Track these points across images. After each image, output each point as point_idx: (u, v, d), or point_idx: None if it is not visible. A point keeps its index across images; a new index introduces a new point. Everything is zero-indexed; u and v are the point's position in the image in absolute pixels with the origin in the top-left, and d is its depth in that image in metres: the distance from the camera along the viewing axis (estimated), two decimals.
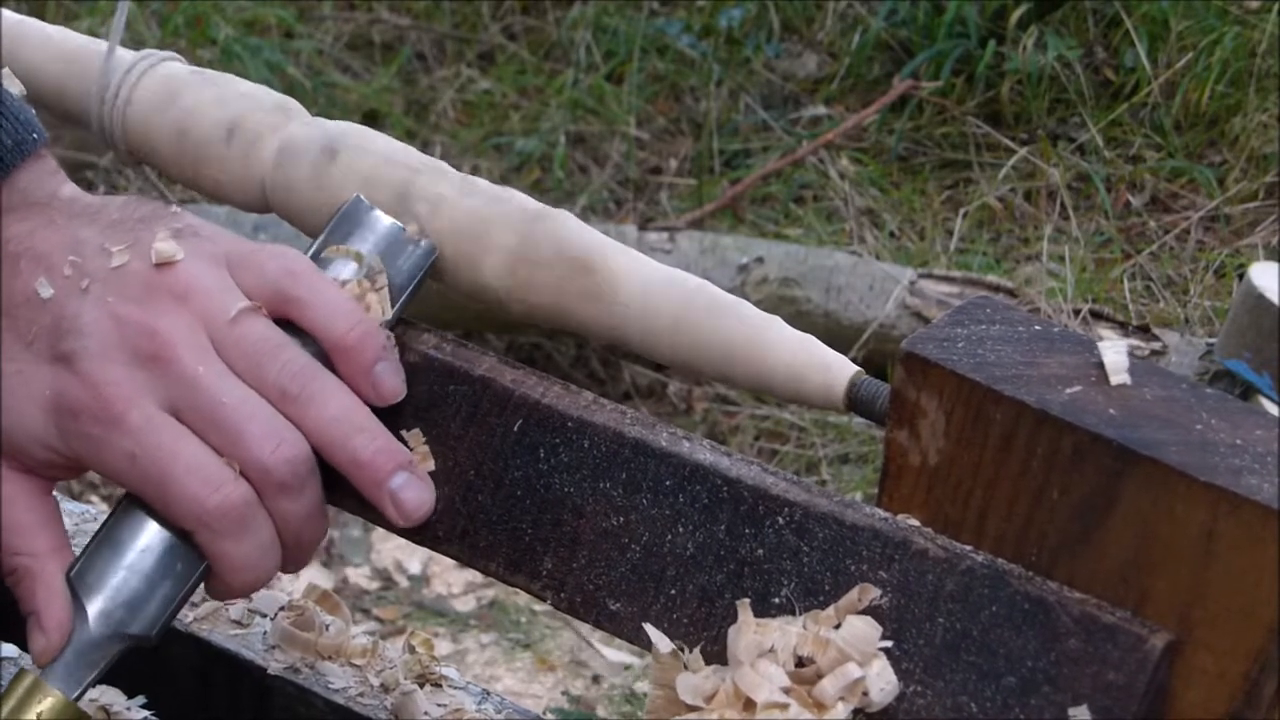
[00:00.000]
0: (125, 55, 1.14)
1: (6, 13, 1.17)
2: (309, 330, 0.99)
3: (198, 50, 4.59)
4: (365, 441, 0.99)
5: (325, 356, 0.99)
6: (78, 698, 0.98)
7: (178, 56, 1.15)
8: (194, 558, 0.98)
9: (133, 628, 0.98)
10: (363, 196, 1.05)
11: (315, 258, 1.03)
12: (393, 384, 1.01)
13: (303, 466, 0.97)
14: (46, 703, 0.97)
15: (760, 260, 3.89)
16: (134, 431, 0.95)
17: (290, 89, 4.36)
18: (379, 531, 3.45)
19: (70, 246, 0.98)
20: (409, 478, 1.00)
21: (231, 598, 1.01)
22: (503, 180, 4.40)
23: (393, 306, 1.03)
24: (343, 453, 0.98)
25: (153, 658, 1.01)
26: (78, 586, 0.98)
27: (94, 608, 0.98)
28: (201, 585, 1.00)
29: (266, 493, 0.97)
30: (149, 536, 0.98)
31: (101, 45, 1.16)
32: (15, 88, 1.02)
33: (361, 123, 1.12)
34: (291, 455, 0.96)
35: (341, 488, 1.00)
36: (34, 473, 0.99)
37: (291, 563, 1.01)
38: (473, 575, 3.42)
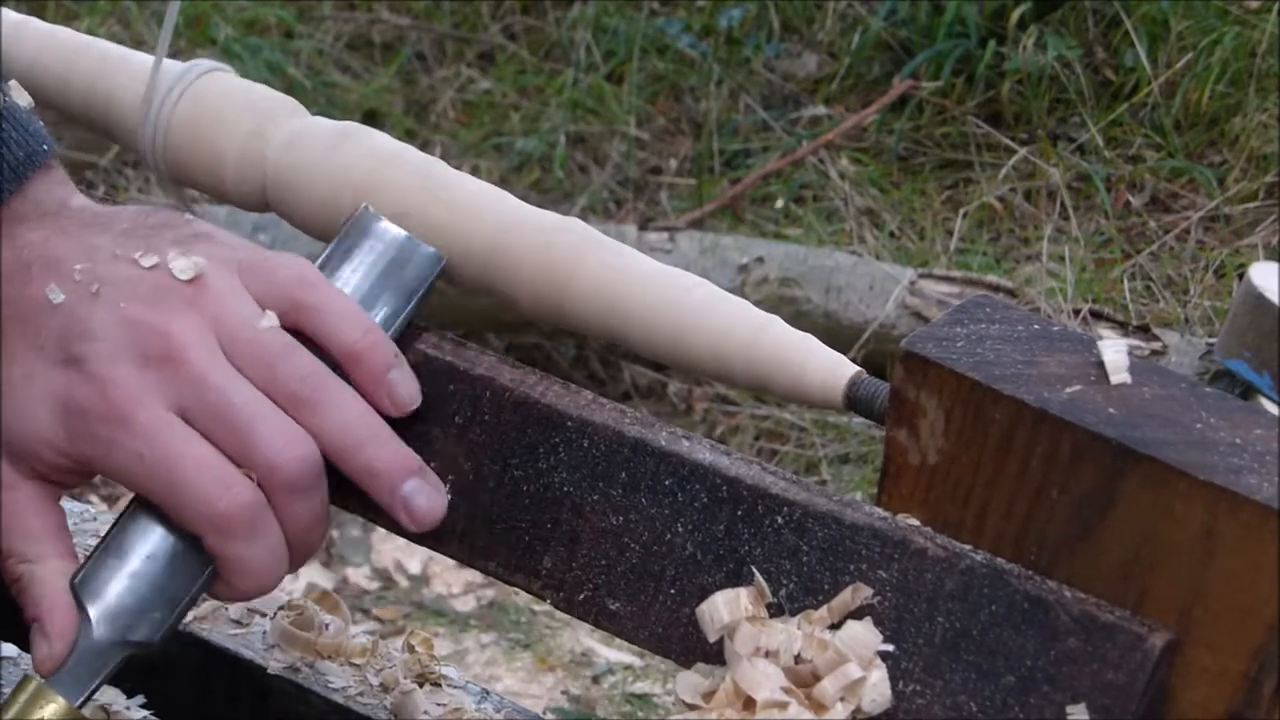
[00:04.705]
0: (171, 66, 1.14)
1: (24, 17, 1.17)
2: (320, 337, 0.99)
3: (198, 50, 4.59)
4: (377, 448, 0.98)
5: (336, 367, 0.99)
6: (81, 704, 0.98)
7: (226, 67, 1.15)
8: (199, 564, 0.98)
9: (136, 634, 0.98)
10: (370, 206, 1.05)
11: (323, 266, 1.03)
12: (408, 391, 1.00)
13: (313, 468, 0.97)
14: (49, 709, 0.97)
15: (760, 260, 3.89)
16: (142, 432, 0.95)
17: (290, 89, 4.36)
18: (379, 531, 3.45)
19: (82, 253, 0.98)
20: (420, 484, 0.99)
21: (236, 601, 1.01)
22: (502, 180, 4.40)
23: (401, 313, 1.03)
24: (355, 459, 0.98)
25: (152, 657, 1.00)
26: (82, 593, 0.98)
27: (98, 614, 0.97)
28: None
29: (276, 494, 0.96)
30: (154, 543, 0.98)
31: (101, 47, 1.16)
32: (24, 100, 1.03)
33: (362, 123, 1.12)
34: (302, 455, 0.96)
35: (345, 489, 1.00)
36: (43, 478, 0.99)
37: (292, 565, 1.01)
38: (473, 575, 3.42)
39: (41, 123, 1.02)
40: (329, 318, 0.99)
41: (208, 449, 0.95)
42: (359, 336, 0.99)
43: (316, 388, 0.97)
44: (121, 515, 0.99)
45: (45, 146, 1.01)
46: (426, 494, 1.00)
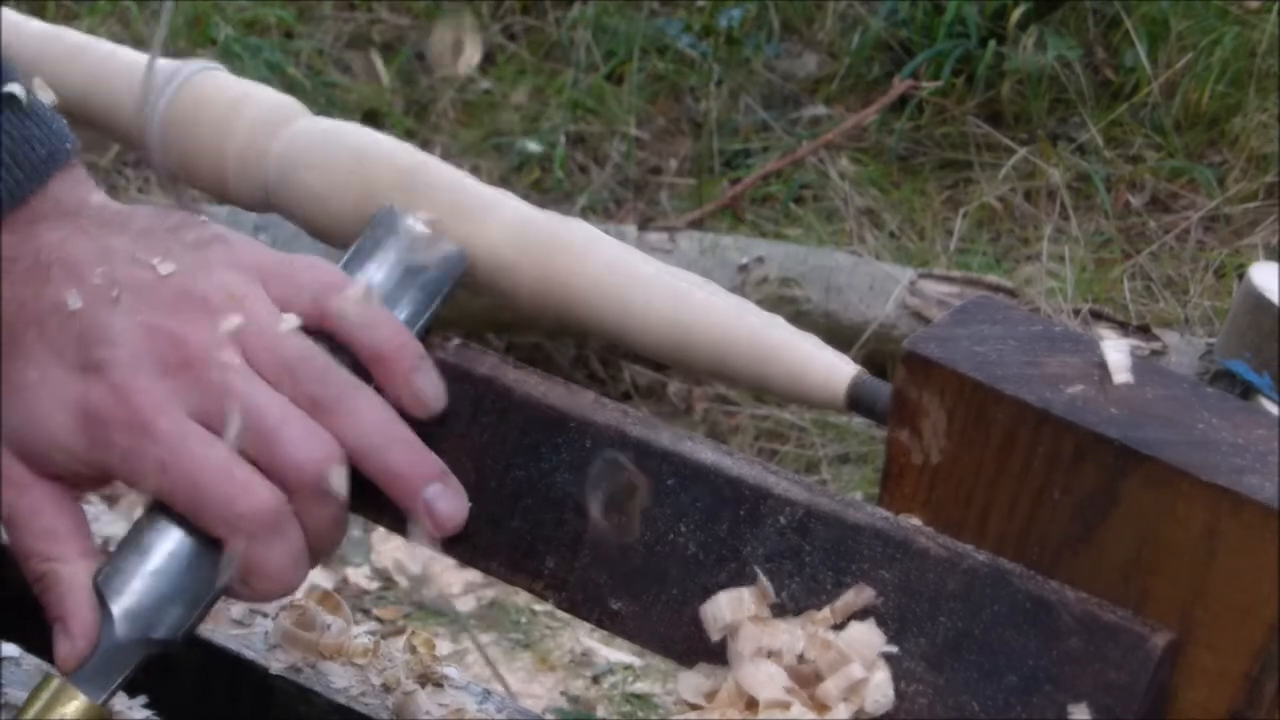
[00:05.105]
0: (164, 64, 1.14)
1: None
2: (345, 340, 0.99)
3: (198, 50, 4.58)
4: (400, 452, 0.98)
5: (359, 370, 0.99)
6: (104, 702, 0.98)
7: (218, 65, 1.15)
8: (220, 563, 0.98)
9: (158, 632, 0.98)
10: (394, 205, 1.04)
11: (347, 265, 1.03)
12: (434, 393, 1.00)
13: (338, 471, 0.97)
14: (72, 706, 0.97)
15: (760, 260, 3.89)
16: (164, 440, 0.95)
17: (290, 89, 4.36)
18: (379, 531, 3.45)
19: (101, 255, 0.97)
20: (442, 489, 0.99)
21: (256, 602, 1.00)
22: (502, 180, 4.40)
23: (425, 311, 1.03)
24: (377, 463, 0.98)
25: (154, 657, 1.01)
26: (104, 591, 0.98)
27: (120, 612, 0.97)
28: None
29: (300, 497, 0.96)
30: (175, 542, 0.98)
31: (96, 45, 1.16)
32: (47, 96, 1.02)
33: (361, 123, 1.12)
34: (328, 458, 0.96)
35: (356, 492, 1.00)
36: (62, 480, 0.98)
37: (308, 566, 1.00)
38: (473, 575, 3.42)
39: (64, 120, 1.02)
40: (354, 320, 0.99)
41: (229, 453, 0.95)
42: (385, 338, 0.99)
43: (339, 392, 0.97)
44: (143, 513, 0.99)
45: (67, 145, 1.01)
46: (449, 499, 0.99)
